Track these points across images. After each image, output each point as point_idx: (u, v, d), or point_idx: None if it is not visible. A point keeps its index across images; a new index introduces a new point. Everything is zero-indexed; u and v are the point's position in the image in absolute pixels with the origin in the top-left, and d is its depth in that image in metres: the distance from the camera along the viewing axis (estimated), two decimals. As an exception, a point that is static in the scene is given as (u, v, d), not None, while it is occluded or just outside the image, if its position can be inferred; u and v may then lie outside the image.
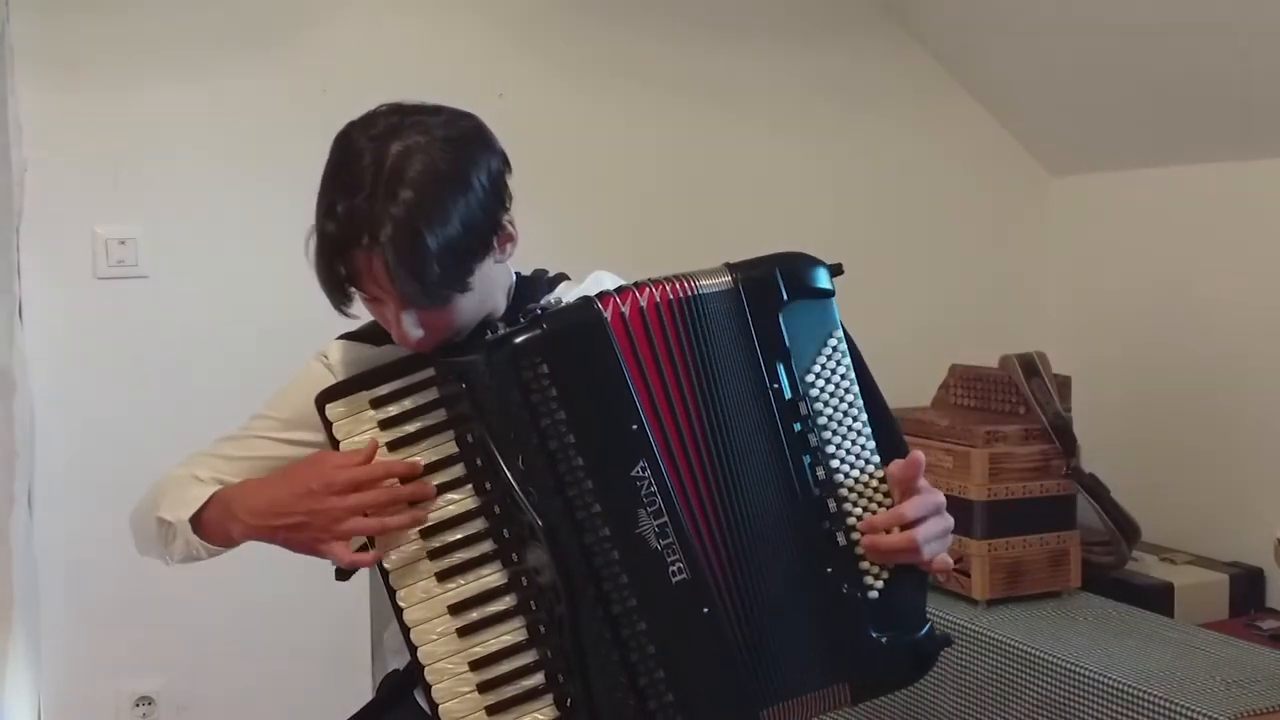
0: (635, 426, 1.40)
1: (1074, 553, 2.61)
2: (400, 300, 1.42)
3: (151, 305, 2.69)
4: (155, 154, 2.68)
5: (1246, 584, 2.71)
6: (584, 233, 2.90)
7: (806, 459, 1.45)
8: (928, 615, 1.49)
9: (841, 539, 1.45)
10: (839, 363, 1.48)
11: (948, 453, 2.60)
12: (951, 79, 3.31)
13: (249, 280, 2.75)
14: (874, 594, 1.45)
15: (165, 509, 1.56)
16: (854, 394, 1.48)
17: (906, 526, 1.44)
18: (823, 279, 1.49)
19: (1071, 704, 2.24)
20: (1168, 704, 2.07)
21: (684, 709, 1.40)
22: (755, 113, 3.15)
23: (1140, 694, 2.11)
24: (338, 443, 1.48)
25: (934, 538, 1.46)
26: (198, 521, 1.54)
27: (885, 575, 1.45)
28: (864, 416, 1.48)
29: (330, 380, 1.56)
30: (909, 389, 2.94)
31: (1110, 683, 2.17)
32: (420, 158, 1.39)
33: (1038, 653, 2.31)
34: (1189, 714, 2.04)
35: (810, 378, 1.46)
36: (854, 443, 1.47)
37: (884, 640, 1.45)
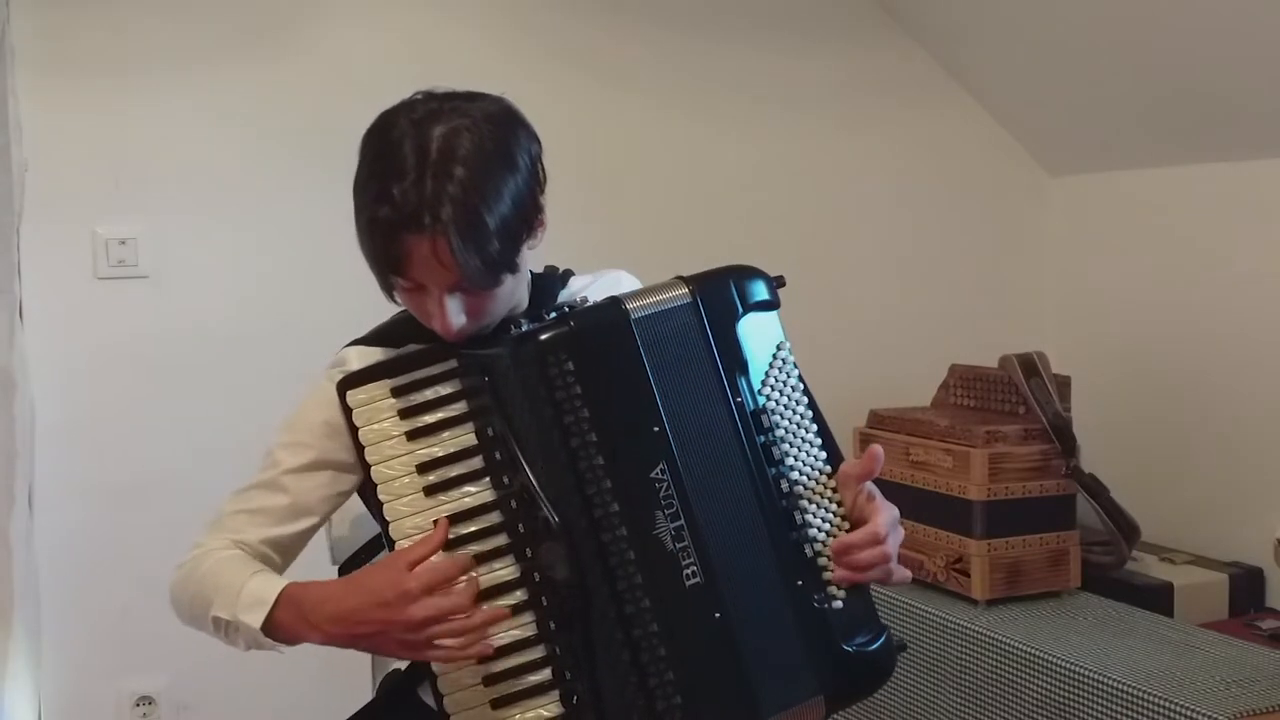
0: (656, 429, 1.41)
1: (1074, 553, 2.61)
2: (455, 283, 1.41)
3: (151, 305, 2.69)
4: (155, 154, 2.68)
5: (1246, 584, 2.71)
6: (583, 232, 2.89)
7: (771, 471, 1.46)
8: (884, 622, 1.51)
9: (808, 550, 1.46)
10: (789, 374, 1.50)
11: (948, 453, 2.60)
12: (951, 79, 3.31)
13: (249, 280, 2.76)
14: (838, 604, 1.46)
15: (220, 606, 1.46)
16: (804, 404, 1.50)
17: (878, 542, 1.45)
18: (769, 291, 1.50)
19: (1071, 704, 2.24)
20: (1168, 704, 2.07)
21: (691, 711, 1.40)
22: (754, 112, 3.15)
23: (1140, 694, 2.11)
24: (356, 430, 1.46)
25: (897, 550, 1.48)
26: (269, 623, 1.44)
27: (845, 586, 1.47)
28: (814, 427, 1.50)
29: None
30: (909, 389, 2.94)
31: (1110, 683, 2.17)
32: (467, 137, 1.40)
33: (1038, 653, 2.31)
34: (1189, 714, 2.04)
35: (766, 390, 1.48)
36: (807, 452, 1.48)
37: (852, 650, 1.46)
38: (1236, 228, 2.86)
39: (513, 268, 1.44)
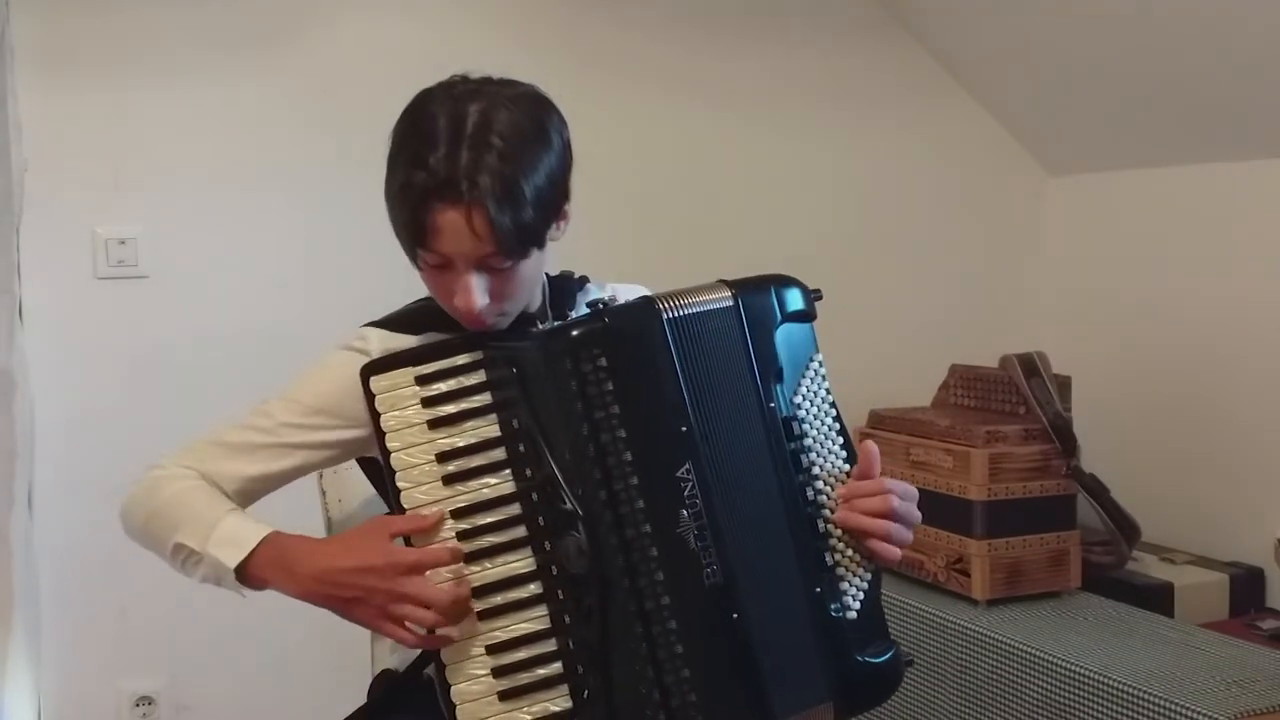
0: (684, 429, 1.41)
1: (1074, 553, 2.61)
2: (484, 256, 1.42)
3: (151, 305, 2.69)
4: (155, 154, 2.68)
5: (1246, 584, 2.71)
6: (582, 232, 2.89)
7: (799, 478, 1.47)
8: (893, 637, 1.51)
9: (829, 559, 1.47)
10: (819, 385, 1.51)
11: (948, 453, 2.60)
12: (951, 79, 3.31)
13: (249, 280, 2.75)
14: (853, 614, 1.47)
15: (187, 534, 1.45)
16: (832, 416, 1.50)
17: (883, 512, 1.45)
18: (806, 302, 1.52)
19: (1071, 704, 2.24)
20: (1168, 704, 2.07)
21: (705, 710, 1.40)
22: (754, 112, 3.15)
23: (1140, 694, 2.12)
24: (379, 415, 1.45)
25: (902, 517, 1.47)
26: (243, 565, 1.42)
27: (861, 596, 1.47)
28: (840, 439, 1.51)
29: None
30: (909, 389, 2.94)
31: (1110, 683, 2.17)
32: (504, 113, 1.42)
33: (1038, 653, 2.32)
34: (1189, 714, 2.04)
35: (797, 399, 1.48)
36: (833, 464, 1.49)
37: (863, 661, 1.47)
38: (1236, 228, 2.86)
39: (541, 242, 1.45)
